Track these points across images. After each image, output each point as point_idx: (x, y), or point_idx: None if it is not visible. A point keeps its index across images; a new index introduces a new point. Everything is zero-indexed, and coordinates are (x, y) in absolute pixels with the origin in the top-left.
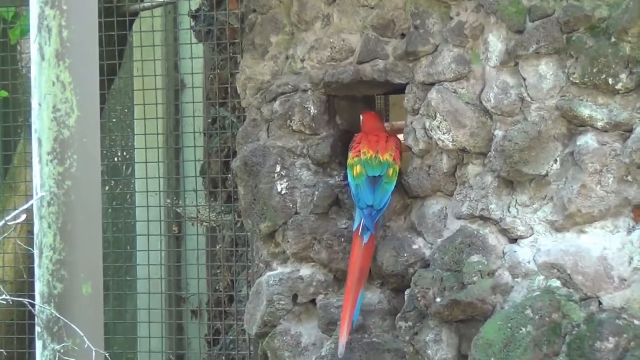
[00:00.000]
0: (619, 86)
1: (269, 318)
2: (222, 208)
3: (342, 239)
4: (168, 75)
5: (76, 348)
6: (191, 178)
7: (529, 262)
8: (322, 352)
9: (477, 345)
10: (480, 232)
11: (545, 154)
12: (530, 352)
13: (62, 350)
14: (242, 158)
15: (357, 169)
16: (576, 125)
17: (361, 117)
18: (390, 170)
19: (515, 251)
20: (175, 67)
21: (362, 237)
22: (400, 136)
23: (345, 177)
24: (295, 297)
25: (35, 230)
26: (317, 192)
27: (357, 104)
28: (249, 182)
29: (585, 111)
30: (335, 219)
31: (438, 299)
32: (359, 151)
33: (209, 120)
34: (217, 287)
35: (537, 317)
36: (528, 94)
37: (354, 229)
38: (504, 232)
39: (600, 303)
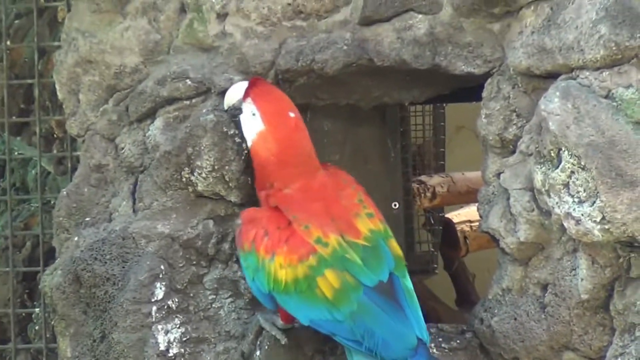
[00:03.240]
0: None
1: None
2: None
3: None
4: None
5: None
6: None
7: None
8: None
9: None
10: None
11: None
12: None
13: None
14: (71, 265)
15: (331, 280)
16: None
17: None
18: (392, 244)
19: None
20: None
21: None
22: (472, 210)
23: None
24: None
25: None
26: (259, 355)
27: (359, 127)
28: (84, 325)
29: None
30: None
31: None
32: (299, 240)
33: None
34: None
35: None
36: None
37: None
38: None
39: None
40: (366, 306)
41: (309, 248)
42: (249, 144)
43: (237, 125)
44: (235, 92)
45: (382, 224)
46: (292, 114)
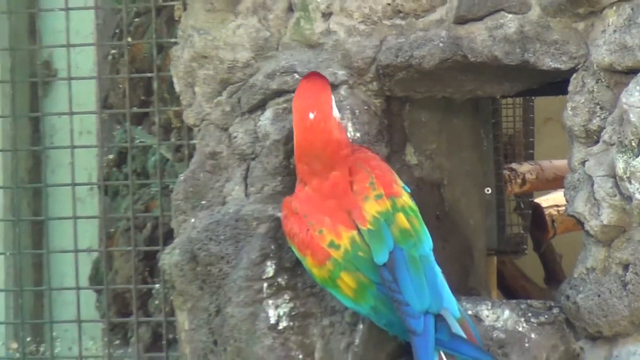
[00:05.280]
0: None
1: None
2: None
3: None
4: (16, 36)
5: None
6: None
7: None
8: None
9: None
10: None
11: None
12: None
13: None
14: (188, 245)
15: (347, 281)
16: None
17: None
18: (399, 219)
19: None
20: (32, 37)
21: None
22: (559, 195)
23: None
24: None
25: None
26: (362, 328)
27: (454, 118)
28: (200, 300)
29: None
30: None
31: None
32: (317, 245)
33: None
34: None
35: None
36: None
37: None
38: None
39: None
40: (383, 300)
41: (325, 253)
42: None
43: None
44: None
45: (390, 202)
46: (311, 115)
